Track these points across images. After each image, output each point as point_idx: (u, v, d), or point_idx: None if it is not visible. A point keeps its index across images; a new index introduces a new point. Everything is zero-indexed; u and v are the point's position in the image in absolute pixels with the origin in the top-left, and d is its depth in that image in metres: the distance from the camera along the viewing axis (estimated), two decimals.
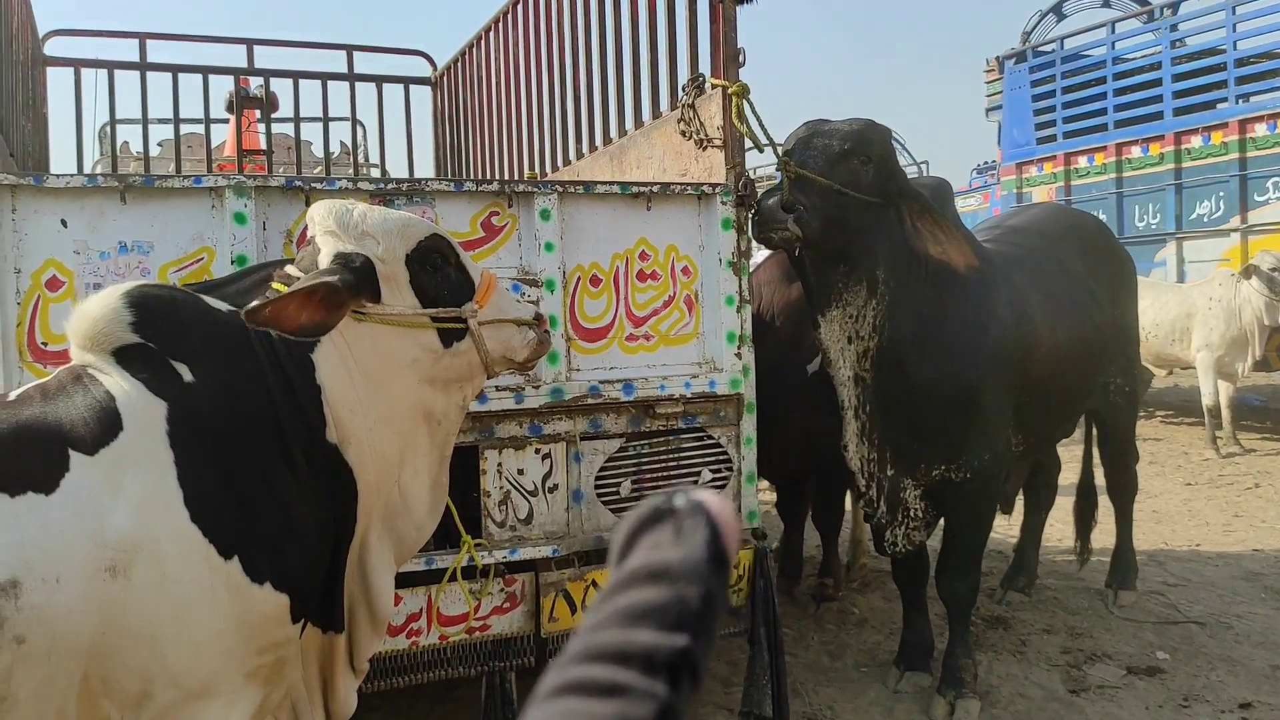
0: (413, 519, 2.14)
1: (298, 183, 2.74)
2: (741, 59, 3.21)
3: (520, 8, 4.87)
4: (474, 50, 5.58)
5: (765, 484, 5.49)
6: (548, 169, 4.74)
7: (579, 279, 3.02)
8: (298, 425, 1.95)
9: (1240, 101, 9.25)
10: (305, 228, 2.28)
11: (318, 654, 2.08)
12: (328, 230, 2.09)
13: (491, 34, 5.29)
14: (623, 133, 4.02)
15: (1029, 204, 5.81)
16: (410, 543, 2.17)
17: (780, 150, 3.29)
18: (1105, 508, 5.21)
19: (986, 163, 13.60)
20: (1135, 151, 10.09)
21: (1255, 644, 4.51)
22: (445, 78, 6.21)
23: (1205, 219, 9.49)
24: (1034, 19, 11.75)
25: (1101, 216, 10.43)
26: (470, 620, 2.90)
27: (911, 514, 3.85)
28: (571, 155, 4.50)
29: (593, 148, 4.29)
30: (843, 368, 3.59)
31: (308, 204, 2.69)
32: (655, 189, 3.09)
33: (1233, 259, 9.02)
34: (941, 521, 4.05)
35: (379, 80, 6.17)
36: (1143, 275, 9.92)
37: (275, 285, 2.02)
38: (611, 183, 3.07)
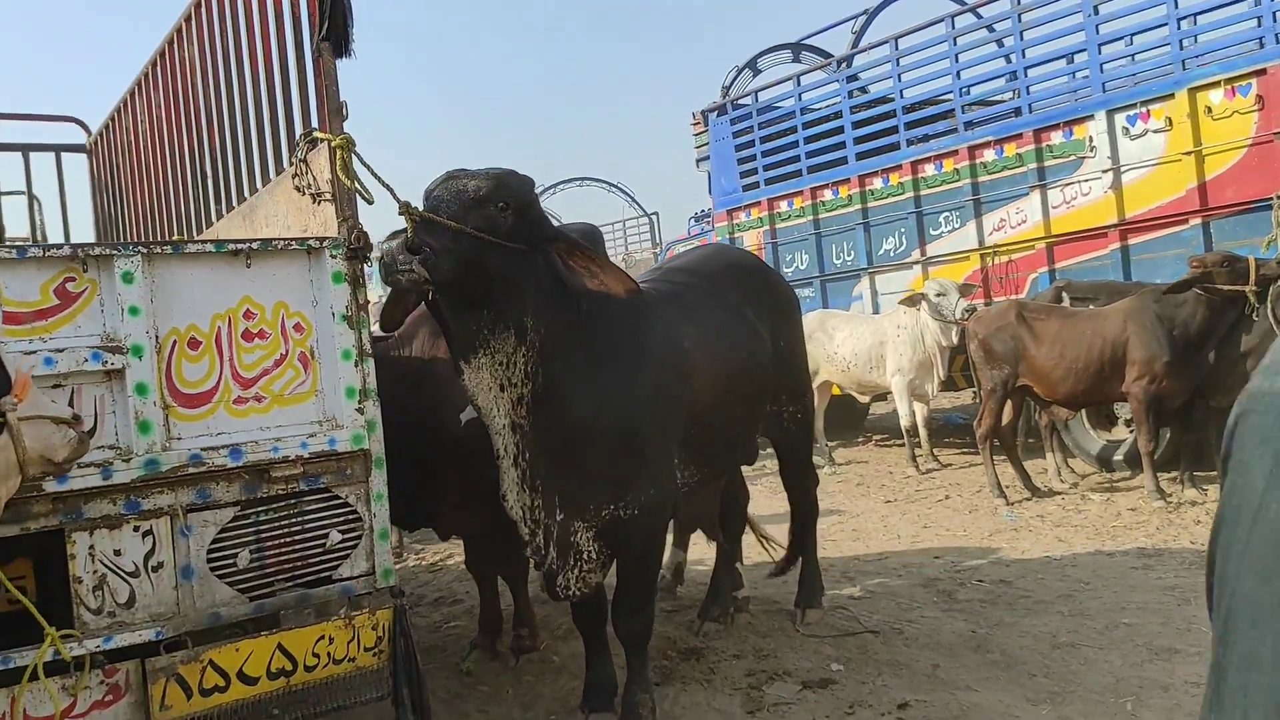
0: None
1: None
2: (345, 111, 3.19)
3: (156, 69, 4.69)
4: (122, 114, 5.33)
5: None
6: (194, 232, 4.56)
7: (175, 343, 2.88)
8: None
9: (910, 145, 10.04)
10: None
11: None
12: None
13: (135, 96, 5.07)
14: (253, 190, 3.91)
15: (694, 247, 6.10)
16: None
17: (400, 197, 3.27)
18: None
19: (702, 211, 14.20)
20: (827, 194, 10.76)
21: (921, 646, 4.78)
22: (99, 143, 5.89)
23: (891, 254, 10.20)
24: (731, 74, 12.40)
25: (806, 256, 11.09)
26: None
27: (585, 556, 3.87)
28: (213, 216, 4.35)
29: (230, 207, 4.16)
30: (497, 416, 3.59)
31: None
32: (255, 246, 3.00)
33: (917, 289, 9.70)
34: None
35: (25, 149, 5.78)
36: (842, 309, 10.58)
37: None
38: (205, 241, 2.97)
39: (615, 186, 22.70)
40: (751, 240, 11.66)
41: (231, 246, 2.96)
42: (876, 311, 10.24)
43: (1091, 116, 8.41)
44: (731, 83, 12.43)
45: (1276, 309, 6.60)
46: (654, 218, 19.68)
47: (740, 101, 11.98)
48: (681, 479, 4.20)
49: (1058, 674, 4.37)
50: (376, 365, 3.47)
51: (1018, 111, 9.32)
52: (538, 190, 3.76)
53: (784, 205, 11.28)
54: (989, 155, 9.23)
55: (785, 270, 11.29)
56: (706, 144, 12.25)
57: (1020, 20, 9.08)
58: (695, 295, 4.42)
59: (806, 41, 12.84)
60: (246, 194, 3.98)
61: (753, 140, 11.53)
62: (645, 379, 3.81)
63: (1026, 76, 9.18)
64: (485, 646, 5.06)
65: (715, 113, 12.05)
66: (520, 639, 5.00)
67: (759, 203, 11.49)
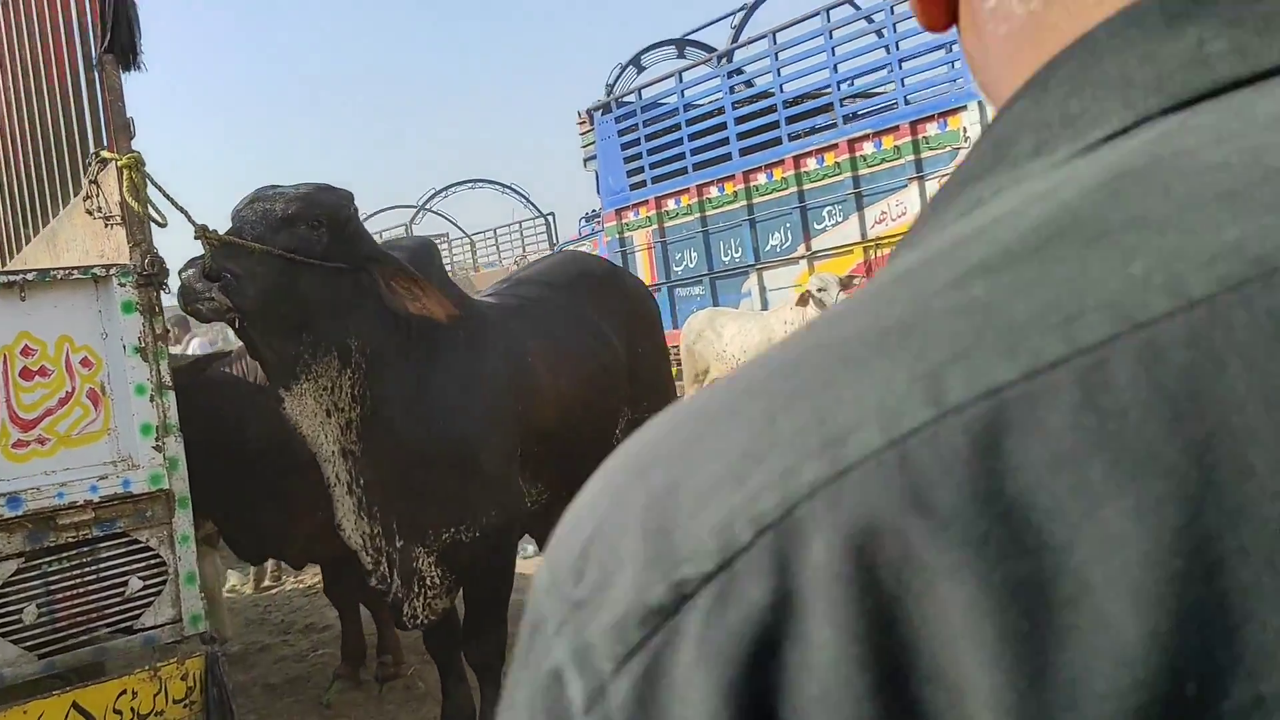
0: None
1: None
2: (131, 129, 2.98)
3: None
4: None
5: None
6: (4, 259, 4.29)
7: None
8: None
9: (791, 139, 10.03)
10: None
11: None
12: None
13: None
14: (55, 214, 3.67)
15: (545, 256, 5.96)
16: None
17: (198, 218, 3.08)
18: None
19: (593, 211, 14.05)
20: (713, 191, 10.70)
21: None
22: None
23: (778, 249, 10.19)
24: (615, 71, 12.27)
25: (694, 254, 11.01)
26: None
27: (429, 583, 3.73)
28: (22, 242, 4.09)
29: (35, 232, 3.91)
30: (325, 443, 3.45)
31: None
32: (29, 277, 2.78)
33: (803, 284, 9.70)
34: None
35: None
36: (732, 306, 10.53)
37: None
38: None
39: (509, 188, 22.43)
40: (641, 239, 11.57)
41: (2, 279, 2.74)
42: (765, 308, 10.21)
43: (964, 107, 8.47)
44: (616, 80, 12.32)
45: None
46: (550, 218, 19.47)
47: (625, 99, 11.87)
48: (531, 497, 4.08)
49: None
50: (215, 386, 3.28)
51: (896, 104, 9.37)
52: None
53: (671, 203, 11.20)
54: (868, 148, 9.26)
55: (675, 269, 11.23)
56: (593, 143, 12.12)
57: (893, 12, 9.11)
58: (542, 307, 4.30)
59: (691, 37, 12.79)
60: (51, 218, 3.74)
61: (638, 139, 11.43)
62: (482, 396, 3.68)
63: (901, 68, 9.21)
64: (348, 676, 4.88)
65: (600, 111, 11.92)
66: (384, 666, 4.84)
67: (647, 201, 11.40)
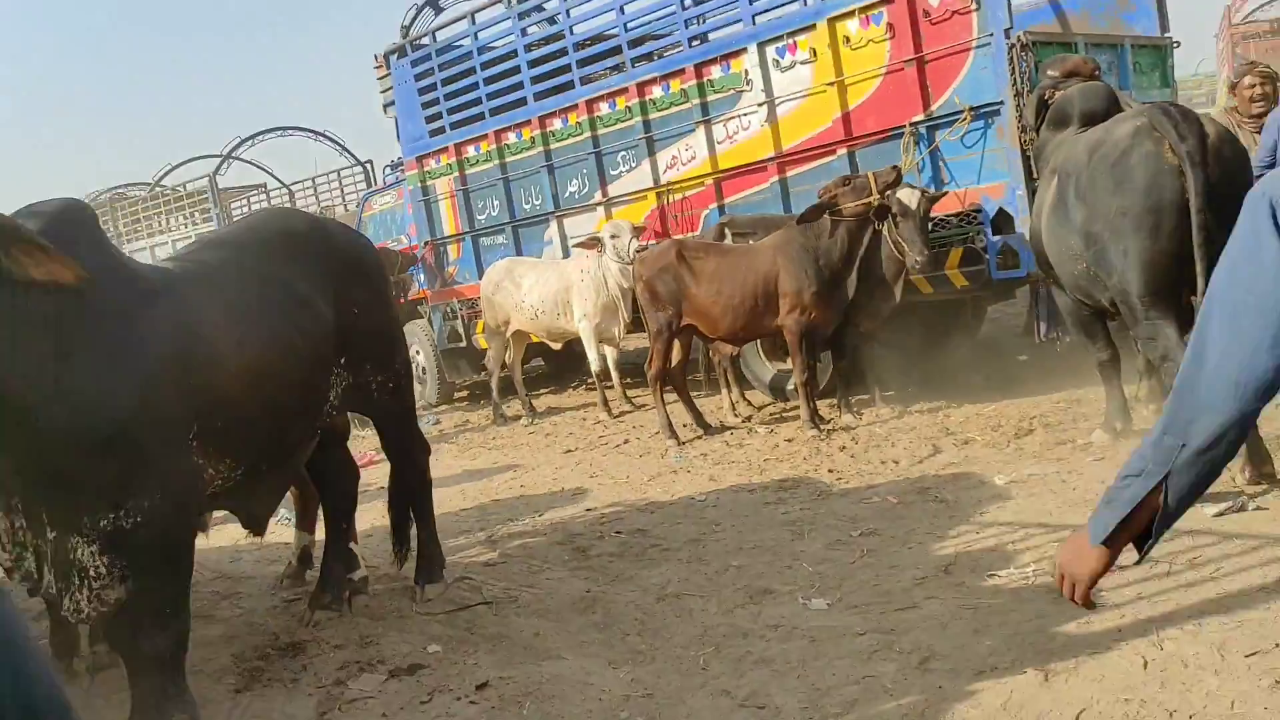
0: None
1: None
2: None
3: None
4: None
5: None
6: None
7: None
8: None
9: (583, 83, 9.78)
10: None
11: None
12: None
13: None
14: None
15: (244, 216, 5.66)
16: None
17: None
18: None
19: (397, 159, 13.58)
20: (511, 137, 10.41)
21: (531, 614, 4.61)
22: None
23: (576, 196, 9.99)
24: (411, 12, 11.76)
25: (496, 202, 10.70)
26: None
27: (94, 573, 3.46)
28: None
29: None
30: None
31: None
32: None
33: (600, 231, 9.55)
34: None
35: None
36: (536, 255, 10.34)
37: None
38: None
39: (323, 135, 21.66)
40: (444, 187, 11.24)
41: None
42: (567, 256, 10.04)
43: (745, 50, 8.39)
44: (412, 22, 11.82)
45: (892, 225, 6.86)
46: (368, 166, 18.83)
47: (420, 42, 11.42)
48: (220, 473, 3.85)
49: (651, 630, 4.29)
50: None
51: (680, 46, 9.23)
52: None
53: (471, 150, 10.88)
54: (656, 92, 9.11)
55: (479, 218, 10.94)
56: (391, 88, 11.65)
57: None
58: (226, 272, 4.04)
59: None
60: None
61: (435, 83, 11.03)
62: (137, 374, 3.41)
63: (685, 9, 9.04)
64: (61, 670, 4.56)
65: (396, 55, 11.46)
66: (97, 655, 4.54)
67: (446, 148, 11.05)
